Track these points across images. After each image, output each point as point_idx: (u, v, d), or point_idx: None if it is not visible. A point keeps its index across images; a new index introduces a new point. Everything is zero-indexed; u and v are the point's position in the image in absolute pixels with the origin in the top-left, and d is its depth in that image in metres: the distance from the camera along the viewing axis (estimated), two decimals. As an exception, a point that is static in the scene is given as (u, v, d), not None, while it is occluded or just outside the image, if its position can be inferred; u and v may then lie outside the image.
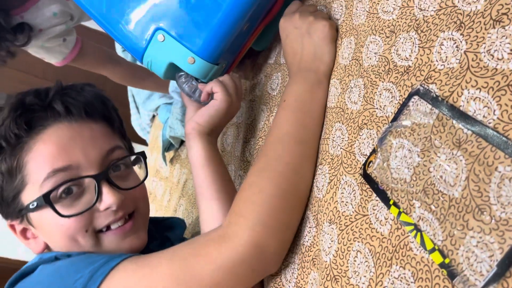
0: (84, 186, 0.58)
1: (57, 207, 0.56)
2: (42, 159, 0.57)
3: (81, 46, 0.94)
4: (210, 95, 0.66)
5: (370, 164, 0.46)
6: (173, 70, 0.67)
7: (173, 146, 1.09)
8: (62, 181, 0.56)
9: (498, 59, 0.36)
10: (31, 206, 0.57)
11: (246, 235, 0.49)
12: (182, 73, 0.67)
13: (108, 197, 0.57)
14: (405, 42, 0.47)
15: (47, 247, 0.61)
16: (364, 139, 0.48)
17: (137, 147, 2.13)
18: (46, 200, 0.55)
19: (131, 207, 0.62)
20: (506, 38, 0.35)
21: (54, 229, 0.58)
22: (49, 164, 0.57)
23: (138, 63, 1.07)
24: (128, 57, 1.14)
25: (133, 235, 0.61)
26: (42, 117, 0.60)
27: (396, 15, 0.50)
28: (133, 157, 0.67)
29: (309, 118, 0.57)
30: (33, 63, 2.47)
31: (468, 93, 0.37)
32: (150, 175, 1.24)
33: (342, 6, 0.61)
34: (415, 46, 0.46)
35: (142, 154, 0.68)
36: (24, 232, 0.62)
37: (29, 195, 0.58)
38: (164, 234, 0.74)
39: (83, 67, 0.98)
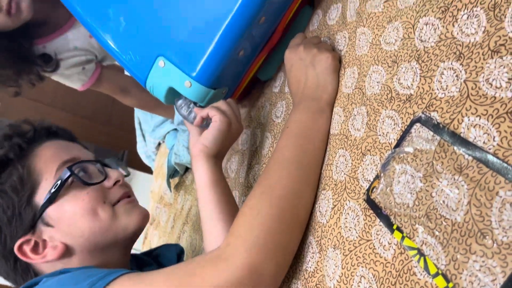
0: (89, 172, 0.66)
1: (73, 187, 0.64)
2: (50, 156, 0.65)
3: (99, 74, 0.99)
4: (205, 120, 0.69)
5: (374, 190, 0.47)
6: (173, 95, 0.70)
7: (178, 172, 1.10)
8: (72, 164, 0.64)
9: (496, 87, 0.37)
10: (50, 194, 0.62)
11: (243, 256, 0.49)
12: (181, 97, 0.70)
13: (113, 173, 0.68)
14: (407, 72, 0.49)
15: (66, 250, 0.63)
16: (368, 165, 0.49)
17: (141, 175, 2.13)
18: (70, 171, 0.63)
19: (131, 191, 0.71)
20: (504, 67, 0.37)
21: (76, 209, 0.63)
22: (58, 158, 0.65)
23: None
24: None
25: (139, 207, 0.70)
26: (36, 136, 0.68)
27: (398, 46, 0.52)
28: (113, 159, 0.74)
29: (311, 144, 0.58)
30: (43, 92, 2.53)
31: (469, 120, 0.38)
32: (154, 201, 1.25)
33: (345, 37, 0.63)
34: (417, 76, 0.47)
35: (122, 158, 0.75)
36: (36, 248, 0.63)
37: (44, 191, 0.63)
38: (158, 260, 0.79)
39: (99, 90, 1.03)
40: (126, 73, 1.05)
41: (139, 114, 1.27)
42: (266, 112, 0.78)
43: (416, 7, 0.51)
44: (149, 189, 1.35)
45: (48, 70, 0.91)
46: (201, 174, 0.66)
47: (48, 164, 0.64)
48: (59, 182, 0.62)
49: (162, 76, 0.68)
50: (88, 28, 0.76)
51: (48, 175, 0.63)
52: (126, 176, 0.72)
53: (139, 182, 2.12)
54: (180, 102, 0.72)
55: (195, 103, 0.71)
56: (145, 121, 1.24)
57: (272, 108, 0.76)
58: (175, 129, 1.15)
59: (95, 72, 0.98)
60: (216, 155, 0.68)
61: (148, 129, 1.23)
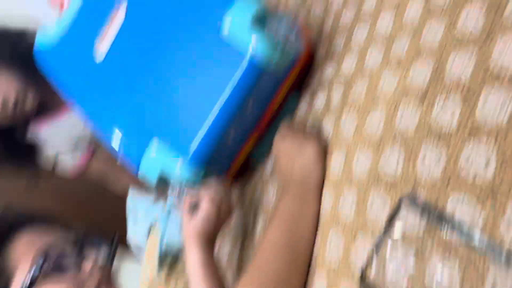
0: (65, 261, 0.63)
1: (48, 278, 0.60)
2: (25, 246, 0.63)
3: (90, 157, 1.00)
4: (194, 204, 0.69)
5: (367, 272, 0.46)
6: (165, 178, 0.72)
7: (168, 257, 1.08)
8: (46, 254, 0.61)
9: (476, 168, 0.39)
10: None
11: None
12: (173, 181, 0.72)
13: (89, 261, 0.63)
14: (392, 155, 0.51)
15: None
16: (360, 247, 0.50)
17: (130, 259, 2.07)
18: (43, 262, 0.60)
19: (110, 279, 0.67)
20: (481, 149, 0.39)
21: None
22: (32, 247, 0.62)
23: None
24: None
25: None
26: (13, 225, 0.67)
27: (381, 130, 0.55)
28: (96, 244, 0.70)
29: (299, 228, 0.59)
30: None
31: (454, 199, 0.40)
32: (144, 286, 1.21)
33: (331, 122, 0.67)
34: (401, 158, 0.49)
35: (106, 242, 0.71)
36: None
37: (18, 284, 0.60)
38: None
39: (91, 173, 1.04)
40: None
41: (130, 199, 1.26)
42: (258, 195, 0.79)
43: (396, 93, 0.55)
44: (138, 274, 1.31)
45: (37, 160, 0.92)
46: (192, 258, 0.66)
47: (22, 255, 0.62)
48: (32, 274, 0.60)
49: (155, 158, 0.70)
50: (83, 114, 0.80)
51: (22, 266, 0.61)
52: (108, 259, 0.69)
53: (128, 266, 2.04)
54: (171, 186, 0.73)
55: (186, 185, 0.72)
56: (135, 205, 1.24)
57: (265, 191, 0.77)
58: (166, 213, 1.15)
59: (87, 154, 1.00)
60: (207, 239, 0.68)
61: (140, 212, 1.22)
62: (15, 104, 0.81)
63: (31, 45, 0.87)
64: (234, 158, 0.81)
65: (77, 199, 2.56)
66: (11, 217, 0.68)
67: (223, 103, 0.67)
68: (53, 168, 0.97)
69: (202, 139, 0.69)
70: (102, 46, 0.76)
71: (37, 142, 0.92)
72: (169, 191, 0.73)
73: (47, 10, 0.87)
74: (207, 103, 0.69)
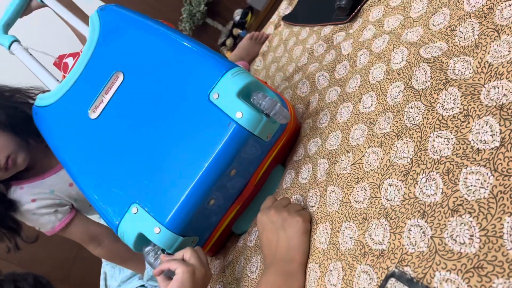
0: None
1: None
2: None
3: (71, 219, 0.98)
4: (166, 271, 0.67)
5: None
6: (142, 242, 0.71)
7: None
8: None
9: (461, 243, 0.40)
10: None
11: None
12: (150, 244, 0.71)
13: None
14: (377, 228, 0.52)
15: None
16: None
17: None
18: None
19: None
20: (465, 225, 0.40)
21: None
22: None
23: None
24: None
25: None
26: None
27: (366, 204, 0.56)
28: None
29: None
30: None
31: (440, 275, 0.40)
32: None
33: (317, 195, 0.68)
34: (387, 232, 0.50)
35: None
36: None
37: None
38: None
39: (68, 237, 1.01)
40: (101, 222, 1.04)
41: (107, 268, 1.21)
42: (241, 267, 0.77)
43: (380, 170, 0.57)
44: None
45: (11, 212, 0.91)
46: None
47: None
48: None
49: (134, 222, 0.71)
50: (65, 167, 0.81)
51: None
52: None
53: None
54: (148, 248, 0.71)
55: (163, 250, 0.71)
56: (111, 275, 1.19)
57: (247, 263, 0.76)
58: (143, 286, 1.10)
59: (68, 216, 0.98)
60: None
61: (114, 285, 1.16)
62: (6, 164, 0.85)
63: (22, 105, 0.90)
64: (214, 229, 0.80)
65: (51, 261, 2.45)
66: None
67: (204, 170, 0.68)
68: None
69: (182, 205, 0.68)
70: (96, 109, 0.79)
71: (17, 199, 0.91)
72: (144, 255, 0.71)
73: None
74: (189, 170, 0.69)
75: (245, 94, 0.69)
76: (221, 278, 0.82)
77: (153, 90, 0.77)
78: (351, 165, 0.64)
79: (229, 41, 2.68)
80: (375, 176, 0.58)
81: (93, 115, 0.79)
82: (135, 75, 0.78)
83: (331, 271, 0.56)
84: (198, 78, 0.73)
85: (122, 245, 1.06)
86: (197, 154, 0.69)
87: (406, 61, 0.63)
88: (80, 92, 0.82)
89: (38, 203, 0.95)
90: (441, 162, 0.48)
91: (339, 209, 0.61)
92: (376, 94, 0.67)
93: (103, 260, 1.25)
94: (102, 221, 1.04)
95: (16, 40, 0.93)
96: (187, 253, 0.68)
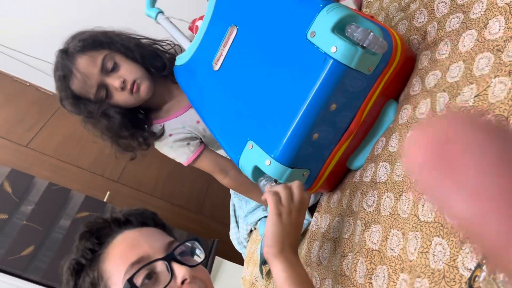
0: (157, 272, 0.64)
1: None
2: (118, 259, 0.65)
3: (201, 151, 1.11)
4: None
5: (476, 279, 0.46)
6: (259, 173, 0.81)
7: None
8: (138, 268, 0.63)
9: None
10: None
11: None
12: (264, 176, 0.79)
13: (181, 271, 0.63)
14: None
15: None
16: (468, 253, 0.49)
17: (230, 265, 2.16)
18: (131, 285, 0.61)
19: (202, 285, 0.66)
20: None
21: None
22: (125, 261, 0.64)
23: None
24: None
25: None
26: (108, 232, 0.71)
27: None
28: (190, 244, 0.72)
29: None
30: (144, 182, 2.79)
31: None
32: (245, 288, 1.27)
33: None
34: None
35: (196, 239, 0.73)
36: None
37: None
38: None
39: (200, 168, 1.15)
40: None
41: (235, 200, 1.34)
42: (357, 201, 0.80)
43: (508, 100, 0.54)
44: (238, 278, 1.37)
45: (155, 139, 1.11)
46: (274, 275, 0.68)
47: (116, 270, 0.64)
48: None
49: (250, 156, 0.80)
50: (199, 114, 0.97)
51: (117, 281, 0.64)
52: (202, 261, 0.70)
53: (228, 271, 2.15)
54: (262, 179, 0.79)
55: (275, 181, 0.78)
56: (239, 207, 1.31)
57: (363, 197, 0.78)
58: (266, 216, 1.20)
59: (199, 149, 1.12)
60: (281, 251, 0.68)
61: (242, 215, 1.29)
62: (132, 86, 1.02)
63: (152, 47, 1.11)
64: (325, 163, 0.84)
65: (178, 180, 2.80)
66: (105, 224, 0.72)
67: (306, 104, 0.73)
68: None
69: (287, 139, 0.75)
70: (218, 62, 0.89)
71: (154, 131, 1.11)
72: (259, 186, 0.80)
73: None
74: (292, 107, 0.75)
75: (341, 29, 0.70)
76: (339, 211, 0.87)
77: (261, 38, 0.83)
78: (475, 96, 0.61)
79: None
80: (502, 107, 0.54)
81: (216, 67, 0.89)
82: (245, 26, 0.85)
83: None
84: (296, 19, 0.75)
85: (245, 177, 1.17)
86: (299, 92, 0.74)
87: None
88: (205, 48, 0.93)
89: (174, 137, 1.10)
90: None
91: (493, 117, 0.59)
92: (504, 18, 0.61)
93: (231, 192, 1.39)
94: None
95: (161, 11, 1.09)
96: (280, 190, 0.72)
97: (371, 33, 0.66)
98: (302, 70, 0.74)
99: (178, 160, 1.13)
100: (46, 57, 2.54)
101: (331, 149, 0.82)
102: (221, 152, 1.13)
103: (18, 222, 1.84)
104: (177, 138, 1.11)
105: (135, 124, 1.09)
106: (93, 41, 1.02)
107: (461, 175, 0.25)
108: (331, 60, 0.68)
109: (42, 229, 1.85)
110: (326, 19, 0.70)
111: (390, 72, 0.78)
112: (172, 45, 1.16)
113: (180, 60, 1.04)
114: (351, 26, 0.68)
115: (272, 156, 0.76)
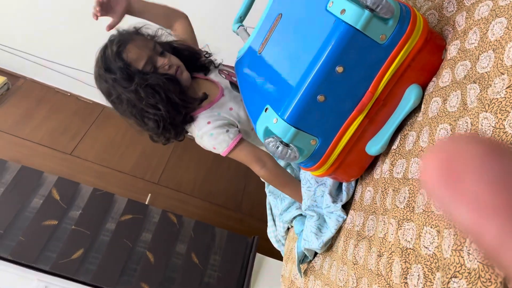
0: None
1: None
2: None
3: (240, 139, 1.14)
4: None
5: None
6: (268, 135, 0.83)
7: (307, 257, 1.13)
8: None
9: None
10: None
11: None
12: (271, 136, 0.82)
13: None
14: None
15: None
16: (502, 252, 0.48)
17: (271, 261, 2.18)
18: None
19: None
20: None
21: None
22: None
23: (282, 165, 1.27)
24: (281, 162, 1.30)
25: None
26: None
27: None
28: None
29: None
30: (184, 183, 2.86)
31: None
32: (285, 286, 1.28)
33: (467, 123, 0.64)
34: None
35: None
36: None
37: None
38: None
39: (237, 159, 1.17)
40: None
41: (270, 199, 1.35)
42: (390, 199, 0.79)
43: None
44: (279, 274, 1.39)
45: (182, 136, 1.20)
46: None
47: None
48: None
49: (265, 118, 0.84)
50: (243, 96, 1.03)
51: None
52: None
53: (269, 267, 2.17)
54: (269, 139, 0.82)
55: (281, 142, 0.81)
56: (275, 205, 1.32)
57: (396, 194, 0.77)
58: (302, 215, 1.21)
59: (238, 136, 1.14)
60: None
61: (277, 213, 1.30)
62: (176, 70, 1.14)
63: (198, 52, 1.26)
64: (335, 136, 0.84)
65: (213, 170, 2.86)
66: None
67: (308, 64, 0.76)
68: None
69: (291, 97, 0.78)
70: (262, 46, 0.97)
71: (197, 125, 1.17)
72: (266, 145, 0.83)
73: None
74: (301, 68, 0.78)
75: None
76: (373, 209, 0.86)
77: (295, 18, 0.89)
78: (507, 88, 0.58)
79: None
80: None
81: (260, 51, 0.97)
82: (287, 12, 0.93)
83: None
84: None
85: (281, 170, 1.19)
86: (308, 54, 0.78)
87: None
88: (257, 39, 1.02)
89: (212, 124, 1.13)
90: None
91: (492, 136, 0.57)
92: (535, 4, 0.59)
93: (266, 191, 1.40)
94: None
95: (242, 25, 1.23)
96: None
97: (388, 3, 0.69)
98: (319, 37, 0.76)
99: (218, 149, 1.15)
100: (83, 67, 2.66)
101: (342, 121, 0.82)
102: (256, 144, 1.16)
103: (67, 227, 1.93)
104: (216, 125, 1.14)
105: (181, 95, 1.15)
106: (145, 34, 1.18)
107: (462, 190, 0.29)
108: (337, 21, 0.72)
109: (89, 233, 1.94)
110: None
111: (410, 49, 0.77)
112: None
113: (239, 52, 1.12)
114: None
115: (279, 114, 0.80)
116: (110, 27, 1.15)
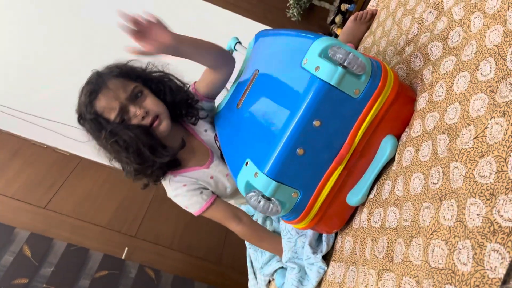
0: None
1: None
2: None
3: (214, 200, 1.13)
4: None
5: None
6: (250, 188, 0.83)
7: (288, 312, 1.10)
8: None
9: None
10: None
11: None
12: (252, 191, 0.82)
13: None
14: (506, 204, 0.50)
15: None
16: (480, 302, 0.48)
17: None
18: None
19: None
20: None
21: None
22: None
23: (259, 222, 1.28)
24: (253, 215, 1.28)
25: None
26: None
27: (493, 179, 0.54)
28: None
29: None
30: (162, 237, 2.79)
31: None
32: None
33: (439, 172, 0.66)
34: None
35: None
36: None
37: None
38: None
39: (212, 218, 1.16)
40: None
41: (250, 252, 1.33)
42: (369, 249, 0.79)
43: (505, 142, 0.54)
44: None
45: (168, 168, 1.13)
46: None
47: None
48: None
49: (245, 172, 0.85)
50: (222, 149, 1.06)
51: None
52: None
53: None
54: (250, 194, 0.82)
55: (263, 196, 0.81)
56: (255, 258, 1.30)
57: (374, 244, 0.77)
58: (283, 267, 1.19)
59: (211, 197, 1.14)
60: None
61: (258, 267, 1.27)
62: (153, 120, 1.05)
63: (181, 94, 1.15)
64: (316, 188, 0.85)
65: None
66: None
67: (286, 119, 0.78)
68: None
69: (271, 151, 0.79)
70: (240, 101, 1.00)
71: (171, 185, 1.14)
72: (247, 200, 0.82)
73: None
74: (280, 123, 0.80)
75: (327, 53, 0.76)
76: (353, 259, 0.85)
77: (271, 74, 0.95)
78: (474, 138, 0.61)
79: (338, 18, 2.64)
80: (500, 148, 0.55)
81: (238, 106, 1.00)
82: (263, 68, 0.98)
83: (460, 249, 0.55)
84: (295, 54, 0.83)
85: (258, 225, 1.18)
86: (286, 109, 0.80)
87: (525, 18, 0.58)
88: (235, 93, 1.05)
89: (187, 187, 1.13)
90: None
91: (463, 185, 0.59)
92: (494, 60, 0.63)
93: (247, 244, 1.38)
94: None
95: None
96: None
97: (351, 53, 0.73)
98: (295, 93, 0.79)
99: (191, 209, 1.14)
100: (60, 118, 2.65)
101: (322, 173, 0.83)
102: (232, 203, 1.15)
103: (38, 286, 1.84)
104: (191, 188, 1.13)
105: (152, 149, 1.07)
106: (130, 71, 1.08)
107: None
108: (313, 78, 0.75)
109: (61, 291, 1.86)
110: (315, 46, 0.77)
111: (383, 102, 0.80)
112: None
113: (218, 107, 1.15)
114: (334, 48, 0.75)
115: (260, 168, 0.80)
116: (135, 52, 0.89)
